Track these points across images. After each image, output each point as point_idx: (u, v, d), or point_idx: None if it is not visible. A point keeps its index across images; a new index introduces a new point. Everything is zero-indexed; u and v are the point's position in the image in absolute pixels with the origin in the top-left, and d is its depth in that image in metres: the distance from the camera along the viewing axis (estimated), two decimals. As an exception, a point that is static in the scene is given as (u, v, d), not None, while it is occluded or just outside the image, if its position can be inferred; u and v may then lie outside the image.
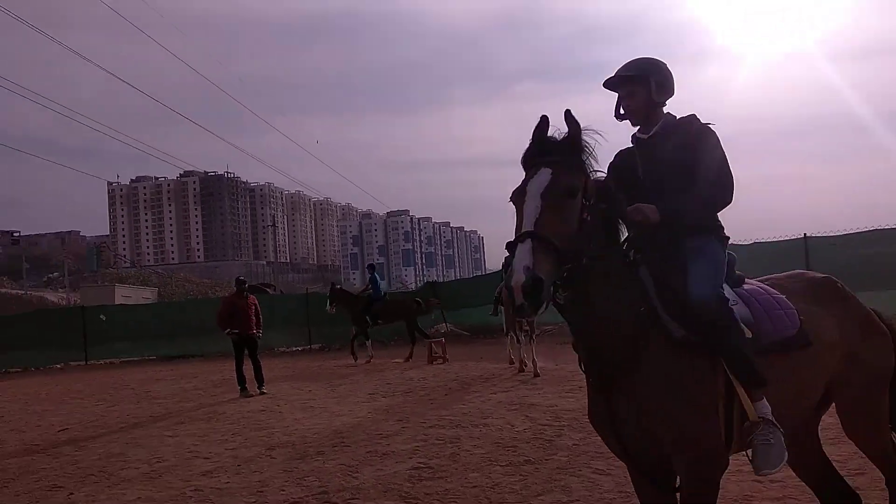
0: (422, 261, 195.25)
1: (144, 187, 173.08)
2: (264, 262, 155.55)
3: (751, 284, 2.91)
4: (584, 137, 2.50)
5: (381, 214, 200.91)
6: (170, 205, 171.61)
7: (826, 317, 2.89)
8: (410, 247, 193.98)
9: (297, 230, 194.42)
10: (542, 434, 6.50)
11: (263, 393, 10.46)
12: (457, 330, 18.38)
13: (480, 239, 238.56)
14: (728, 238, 2.86)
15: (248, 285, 11.58)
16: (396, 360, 13.72)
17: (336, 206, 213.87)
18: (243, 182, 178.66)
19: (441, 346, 13.26)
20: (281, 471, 5.90)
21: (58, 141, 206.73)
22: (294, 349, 19.11)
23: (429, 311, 15.75)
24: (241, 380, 10.56)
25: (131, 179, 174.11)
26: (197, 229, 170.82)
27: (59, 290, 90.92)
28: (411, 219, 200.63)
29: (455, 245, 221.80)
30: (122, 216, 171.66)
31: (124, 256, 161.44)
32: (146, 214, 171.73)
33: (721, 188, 2.76)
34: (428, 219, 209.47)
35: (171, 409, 9.73)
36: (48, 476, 6.28)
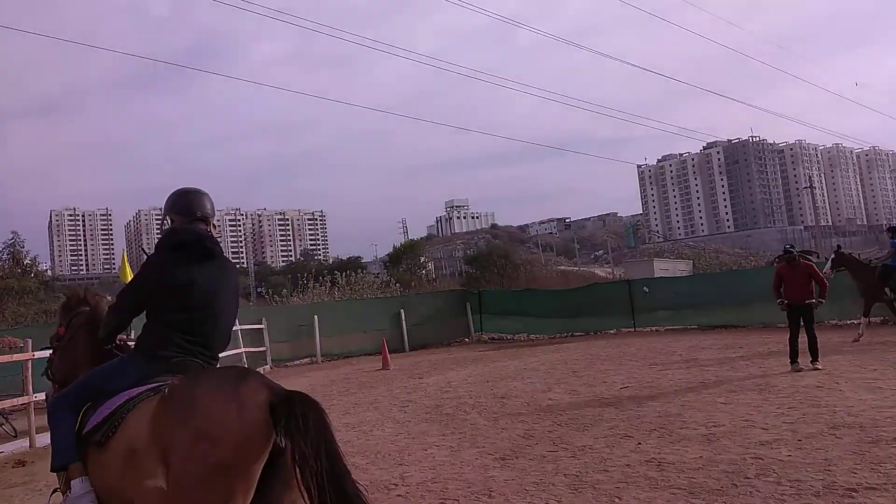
0: None
1: (671, 165, 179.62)
2: (801, 227, 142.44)
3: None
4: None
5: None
6: (695, 178, 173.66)
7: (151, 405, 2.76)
8: None
9: (839, 188, 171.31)
10: None
11: (817, 368, 9.68)
12: None
13: None
14: (152, 355, 3.13)
15: (796, 252, 10.76)
16: None
17: (888, 155, 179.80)
18: (770, 144, 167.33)
19: None
20: (849, 452, 5.39)
21: (594, 135, 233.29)
22: (849, 322, 16.99)
23: None
24: (794, 353, 9.97)
25: (658, 159, 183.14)
26: (724, 199, 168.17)
27: (605, 265, 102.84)
28: None
29: None
30: (653, 195, 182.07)
31: (657, 232, 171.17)
32: (674, 190, 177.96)
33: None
34: None
35: (721, 377, 9.91)
36: (618, 426, 7.21)
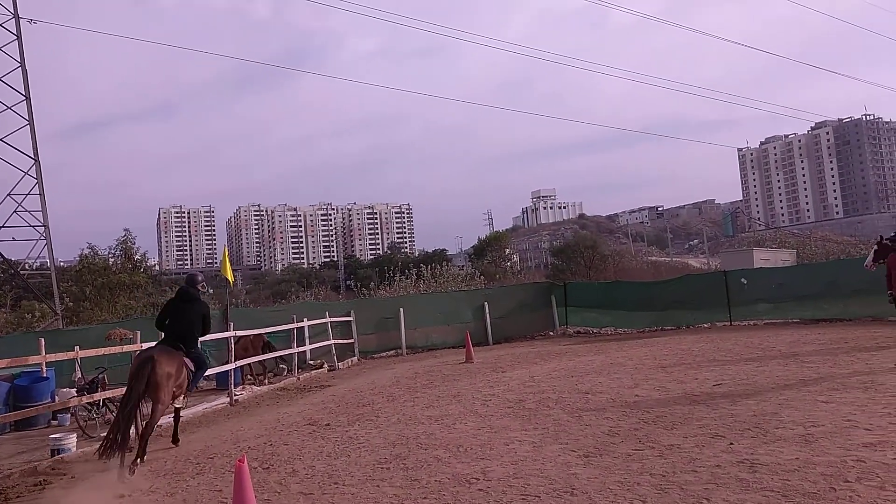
0: None
1: (774, 147, 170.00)
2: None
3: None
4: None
5: None
6: (801, 161, 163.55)
7: None
8: None
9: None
10: None
11: None
12: None
13: None
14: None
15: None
16: None
17: None
18: (886, 122, 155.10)
19: None
20: (968, 459, 4.95)
21: (691, 118, 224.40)
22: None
23: None
24: None
25: (760, 142, 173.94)
26: (834, 183, 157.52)
27: (699, 255, 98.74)
28: None
29: None
30: (754, 180, 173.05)
31: (758, 219, 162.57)
32: (777, 175, 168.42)
33: None
34: None
35: (822, 374, 9.33)
36: (709, 425, 6.92)
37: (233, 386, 12.32)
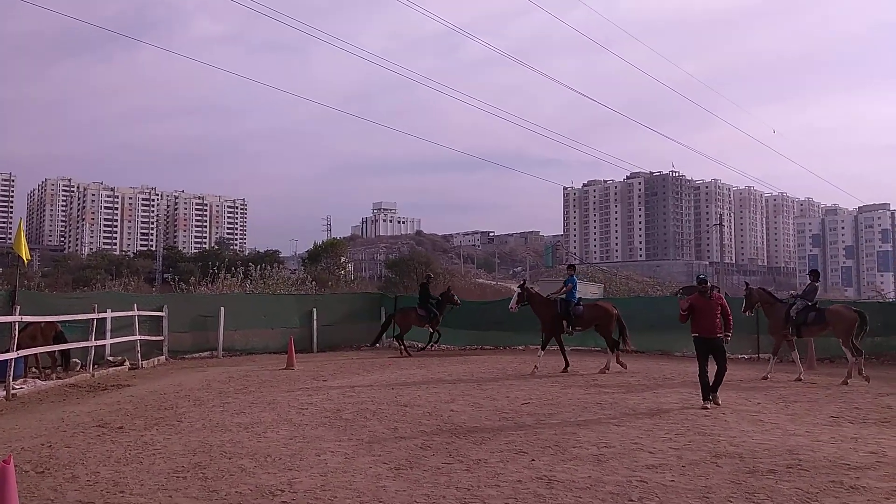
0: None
1: (595, 190, 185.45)
2: (706, 263, 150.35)
3: None
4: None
5: (850, 210, 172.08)
6: (616, 205, 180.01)
7: None
8: (890, 248, 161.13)
9: (746, 229, 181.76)
10: None
11: (716, 403, 9.48)
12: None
13: None
14: None
15: (709, 285, 10.56)
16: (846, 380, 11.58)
17: (793, 202, 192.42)
18: (688, 180, 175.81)
19: None
20: (728, 481, 5.62)
21: (527, 153, 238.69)
22: (739, 357, 17.97)
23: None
24: (706, 389, 9.56)
25: (583, 184, 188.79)
26: (640, 228, 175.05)
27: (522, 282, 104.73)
28: (892, 214, 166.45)
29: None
30: (574, 217, 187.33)
31: (574, 254, 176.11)
32: (595, 215, 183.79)
33: None
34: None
35: (616, 400, 10.20)
36: (515, 441, 7.27)
37: (12, 378, 10.83)
